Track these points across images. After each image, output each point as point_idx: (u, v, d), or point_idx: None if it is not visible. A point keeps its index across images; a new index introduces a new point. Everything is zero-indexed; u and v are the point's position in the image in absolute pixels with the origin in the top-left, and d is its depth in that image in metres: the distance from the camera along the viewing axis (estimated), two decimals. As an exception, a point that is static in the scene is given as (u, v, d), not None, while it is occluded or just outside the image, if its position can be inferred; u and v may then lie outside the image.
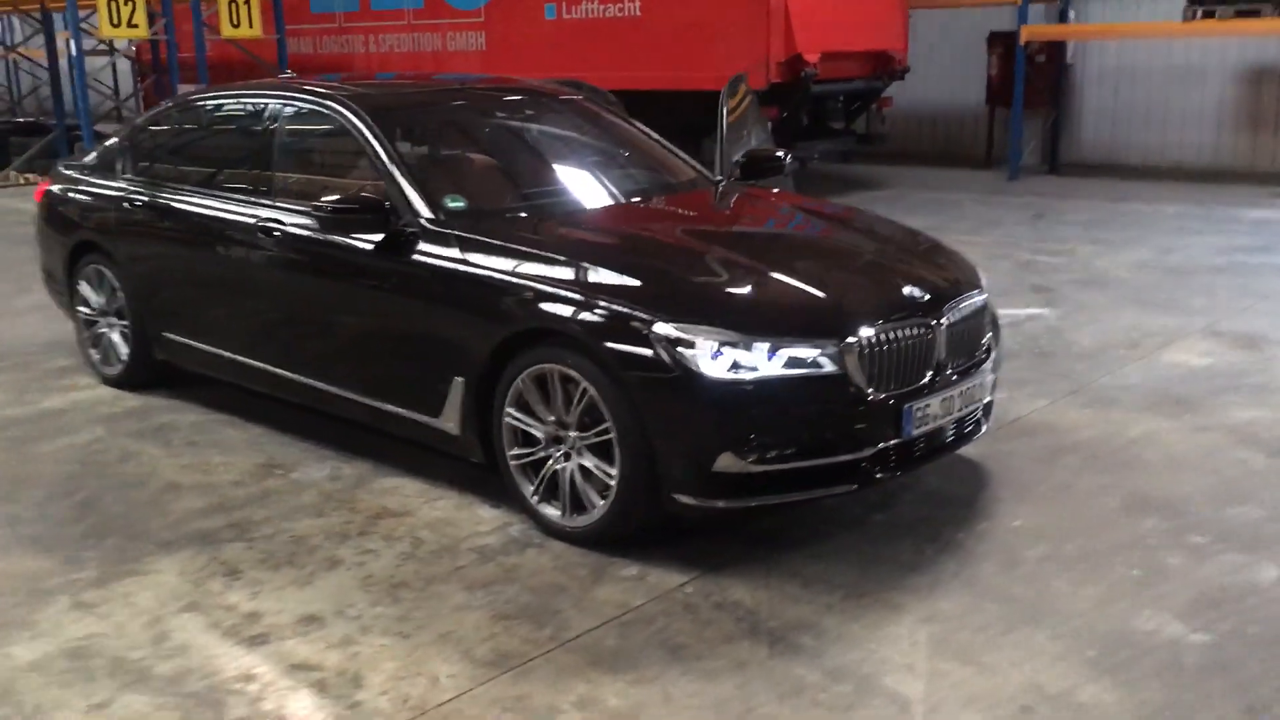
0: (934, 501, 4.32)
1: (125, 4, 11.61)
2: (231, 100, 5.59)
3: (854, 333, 3.75)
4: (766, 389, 3.68)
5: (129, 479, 4.72)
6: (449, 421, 4.27)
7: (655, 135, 5.63)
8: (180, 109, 5.84)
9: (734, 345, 3.66)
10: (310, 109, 4.98)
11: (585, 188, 5.00)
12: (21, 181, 14.35)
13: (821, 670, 3.19)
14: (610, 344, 3.73)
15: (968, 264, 4.55)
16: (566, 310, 3.85)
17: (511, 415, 4.05)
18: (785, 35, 11.04)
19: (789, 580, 3.71)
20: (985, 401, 4.30)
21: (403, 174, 4.49)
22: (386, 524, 4.21)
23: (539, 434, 4.01)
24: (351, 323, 4.65)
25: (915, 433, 3.87)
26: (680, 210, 4.92)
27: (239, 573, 3.86)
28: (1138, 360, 6.09)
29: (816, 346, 3.71)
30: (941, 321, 3.97)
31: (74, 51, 11.88)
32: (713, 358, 3.64)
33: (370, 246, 4.43)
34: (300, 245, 4.74)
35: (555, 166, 5.24)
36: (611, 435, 3.77)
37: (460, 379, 4.17)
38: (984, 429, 4.33)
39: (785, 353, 3.68)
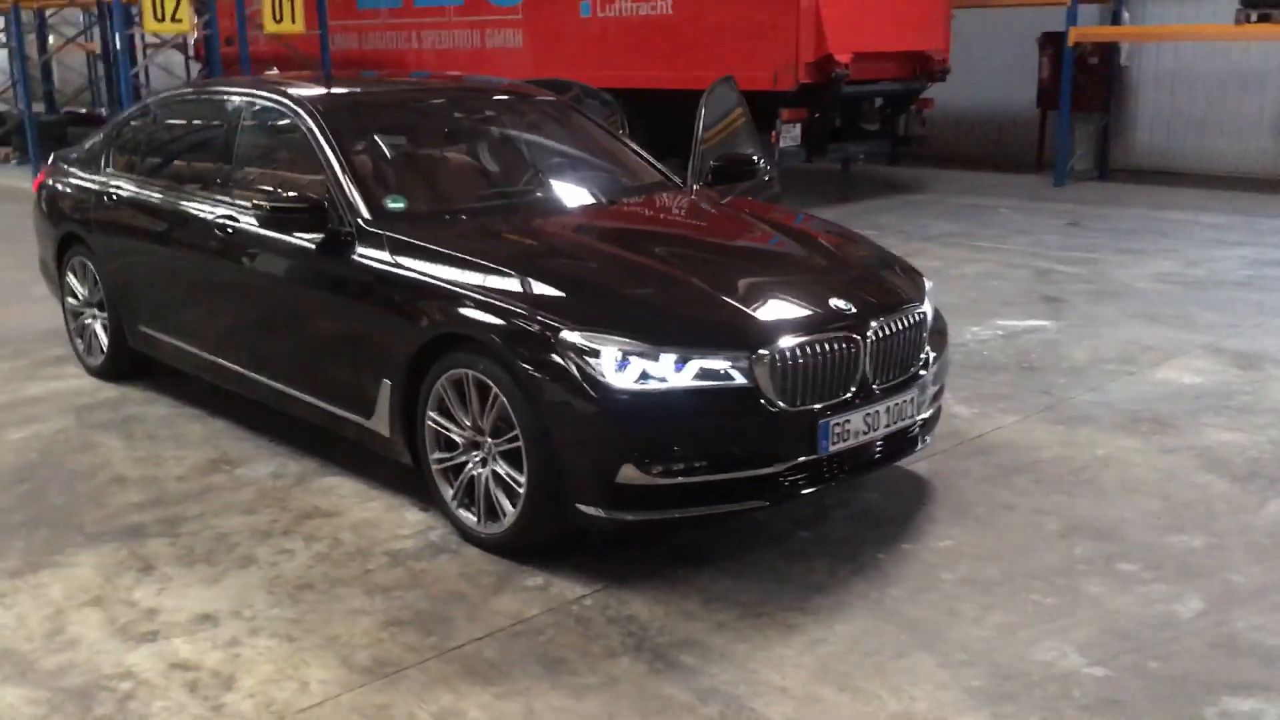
0: (866, 519, 4.21)
1: (169, -1, 11.81)
2: (205, 97, 5.65)
3: (767, 345, 3.66)
4: (674, 400, 3.62)
5: (80, 470, 4.80)
6: (380, 423, 4.28)
7: (625, 139, 5.57)
8: (160, 105, 5.91)
9: (641, 355, 3.61)
10: (268, 106, 5.01)
11: (533, 191, 4.97)
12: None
13: (693, 690, 3.13)
14: (520, 350, 3.70)
15: (915, 277, 4.43)
16: (481, 315, 3.82)
17: (432, 419, 4.04)
18: (816, 35, 10.88)
19: (690, 596, 3.64)
20: (922, 418, 4.17)
21: (345, 173, 4.49)
22: (313, 524, 4.23)
23: (458, 439, 4.00)
24: (299, 322, 4.67)
25: (832, 449, 3.77)
26: (621, 216, 4.83)
27: (152, 569, 3.90)
28: (1126, 376, 5.89)
29: (728, 358, 3.65)
30: (868, 335, 3.87)
31: (118, 45, 12.13)
32: (618, 367, 3.59)
33: (313, 246, 4.45)
34: (252, 243, 4.77)
35: (508, 170, 5.22)
36: (520, 443, 3.74)
37: (388, 381, 4.17)
38: (921, 446, 4.22)
39: (695, 364, 3.62)
